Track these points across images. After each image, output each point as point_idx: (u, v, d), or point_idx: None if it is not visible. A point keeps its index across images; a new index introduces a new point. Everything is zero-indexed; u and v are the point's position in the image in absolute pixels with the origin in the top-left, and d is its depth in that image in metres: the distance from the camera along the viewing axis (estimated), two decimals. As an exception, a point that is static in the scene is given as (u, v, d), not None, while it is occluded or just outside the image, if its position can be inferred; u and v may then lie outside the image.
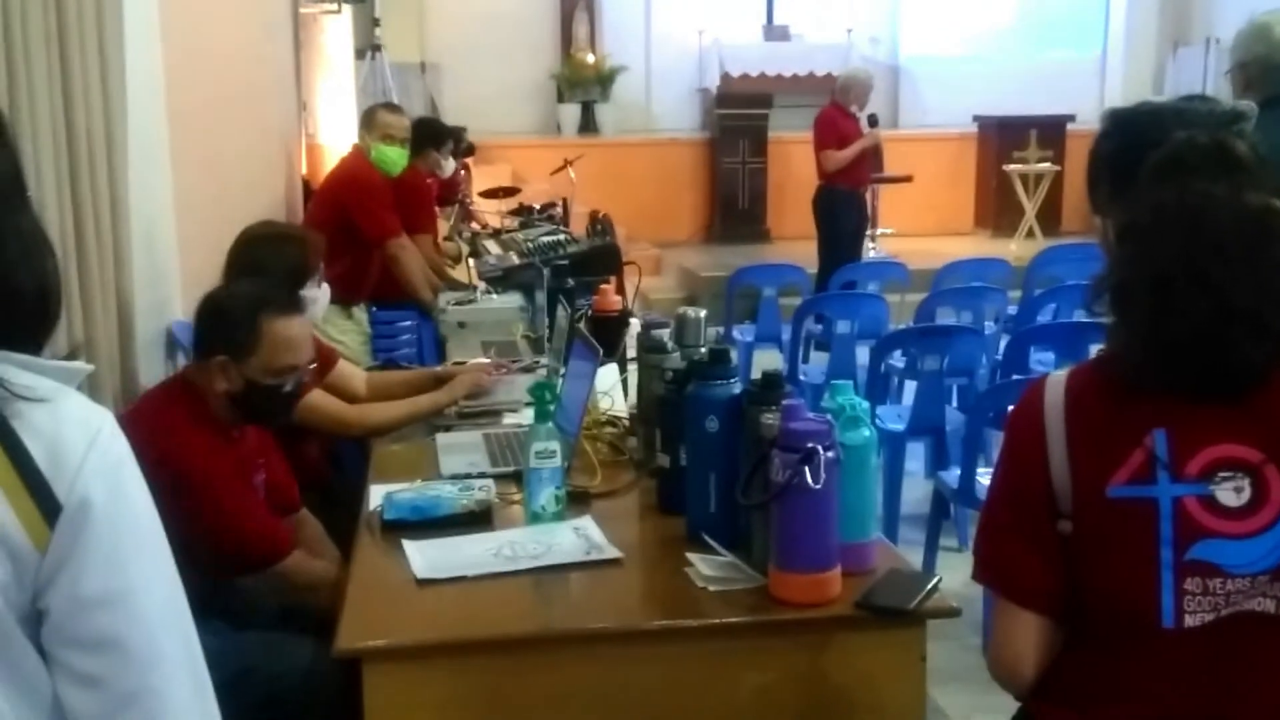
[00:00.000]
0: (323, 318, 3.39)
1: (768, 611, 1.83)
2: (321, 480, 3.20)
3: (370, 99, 8.77)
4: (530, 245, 4.57)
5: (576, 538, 2.11)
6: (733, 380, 2.06)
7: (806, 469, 1.77)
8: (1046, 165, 9.75)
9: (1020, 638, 1.41)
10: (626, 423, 2.74)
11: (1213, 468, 1.35)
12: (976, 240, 9.89)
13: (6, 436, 0.97)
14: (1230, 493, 1.35)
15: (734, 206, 10.15)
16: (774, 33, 11.23)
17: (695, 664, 1.83)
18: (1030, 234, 9.45)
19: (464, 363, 3.43)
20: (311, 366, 2.55)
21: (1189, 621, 1.33)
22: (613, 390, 2.87)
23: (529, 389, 2.45)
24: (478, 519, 2.19)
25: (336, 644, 1.75)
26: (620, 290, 3.74)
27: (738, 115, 10.11)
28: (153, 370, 3.05)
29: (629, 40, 11.11)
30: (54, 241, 1.09)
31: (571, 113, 10.97)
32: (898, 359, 4.94)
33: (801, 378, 5.18)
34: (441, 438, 2.71)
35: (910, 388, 4.88)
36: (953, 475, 3.93)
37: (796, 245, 8.58)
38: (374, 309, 5.02)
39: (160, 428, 2.29)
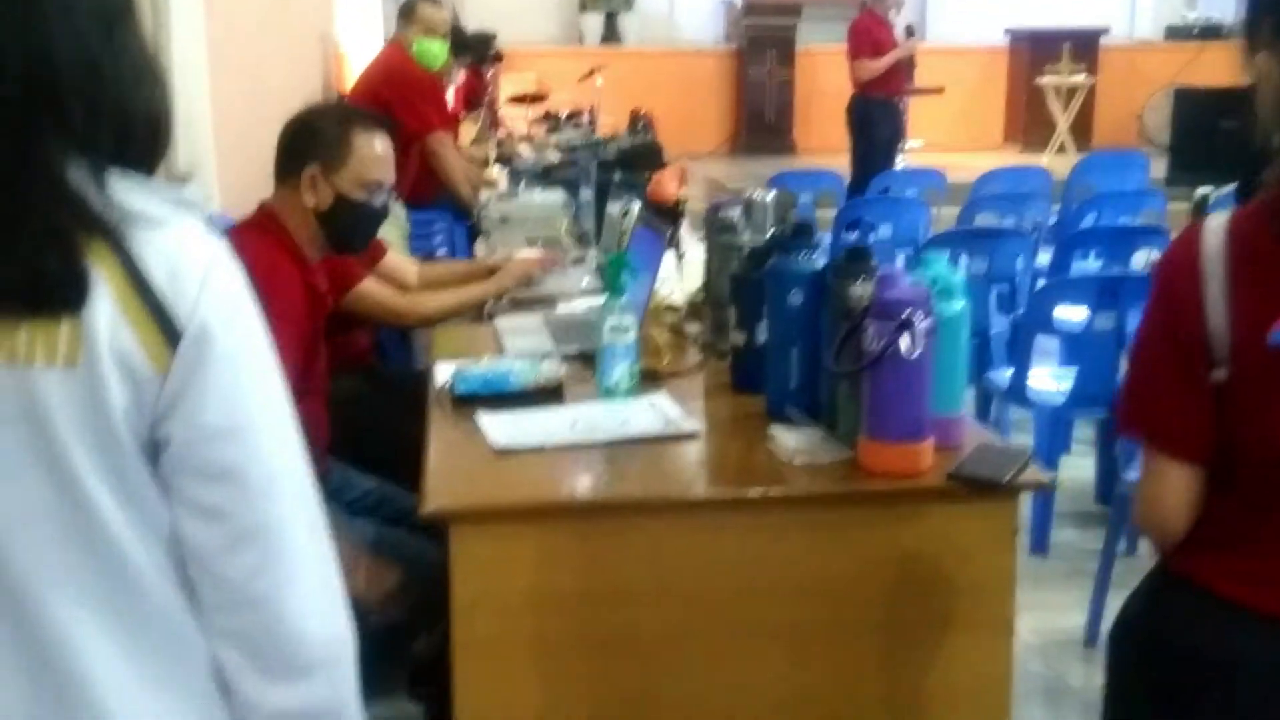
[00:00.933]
0: None
1: (857, 482, 1.80)
2: (369, 367, 3.20)
3: (393, 5, 8.63)
4: (574, 143, 4.49)
5: (653, 412, 2.07)
6: (815, 253, 2.01)
7: (902, 337, 1.72)
8: (1081, 78, 9.57)
9: (1172, 490, 1.36)
10: (684, 310, 2.70)
11: None
12: (1006, 155, 9.74)
13: (127, 258, 0.93)
14: None
15: (760, 119, 10.02)
16: (801, -57, 10.99)
17: (783, 535, 1.80)
18: (1062, 149, 9.31)
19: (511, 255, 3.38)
20: (391, 188, 2.54)
21: None
22: (669, 278, 2.82)
23: (603, 262, 2.40)
24: (549, 394, 2.16)
25: (423, 507, 1.72)
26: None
27: (765, 25, 9.93)
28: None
29: (654, -54, 10.89)
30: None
31: (595, 22, 10.78)
32: (941, 264, 4.86)
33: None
34: (501, 320, 2.67)
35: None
36: (1000, 376, 3.89)
37: (824, 159, 8.46)
38: (408, 209, 4.95)
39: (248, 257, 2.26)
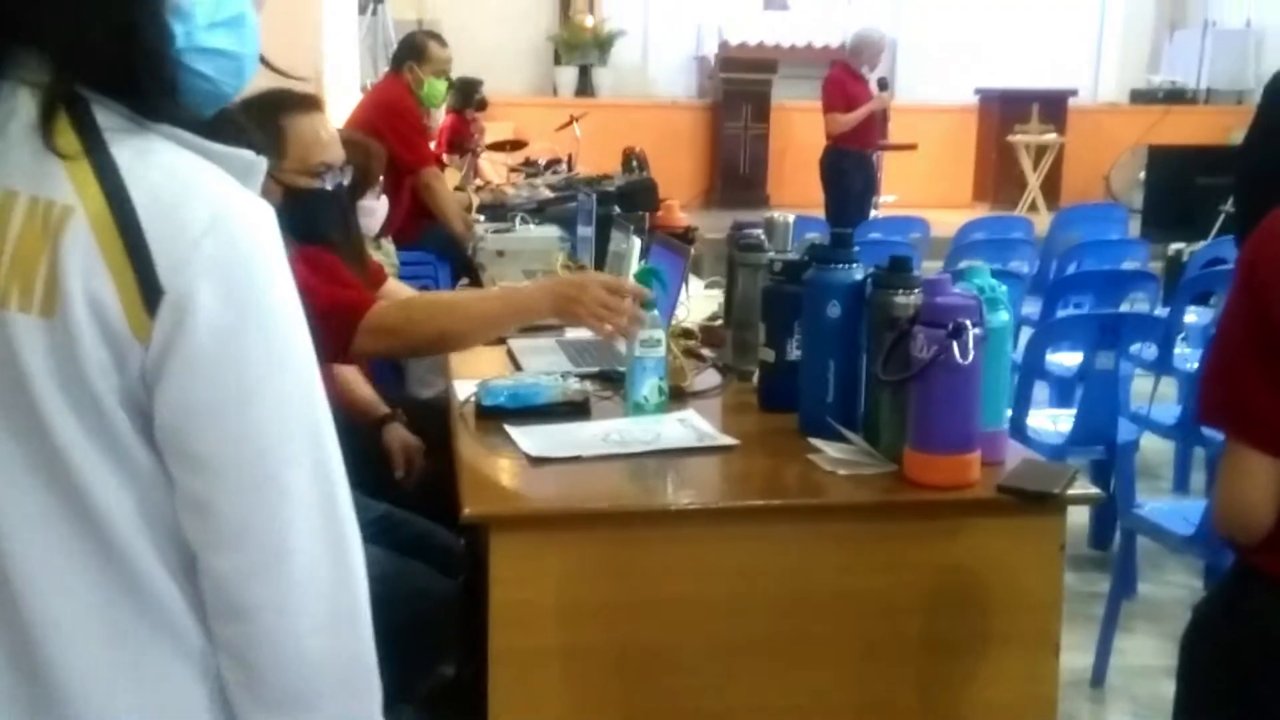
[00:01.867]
0: None
1: (903, 493, 1.76)
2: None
3: (371, 54, 8.63)
4: (573, 179, 4.47)
5: (684, 428, 2.03)
6: (854, 265, 1.98)
7: (954, 344, 1.69)
8: (1051, 136, 9.72)
9: (1255, 484, 1.33)
10: (700, 335, 2.68)
11: None
12: (977, 213, 9.82)
13: (113, 187, 0.85)
14: None
15: (735, 172, 10.08)
16: (773, 3, 11.15)
17: (825, 547, 1.76)
18: (1034, 206, 9.43)
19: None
20: (346, 168, 2.40)
21: None
22: (686, 303, 2.79)
23: (635, 274, 2.36)
24: (577, 409, 2.11)
25: (463, 512, 1.66)
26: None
27: (741, 80, 10.03)
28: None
29: (628, 5, 11.00)
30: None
31: (569, 75, 10.84)
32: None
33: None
34: (514, 342, 2.62)
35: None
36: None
37: (797, 212, 8.49)
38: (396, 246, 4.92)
39: None
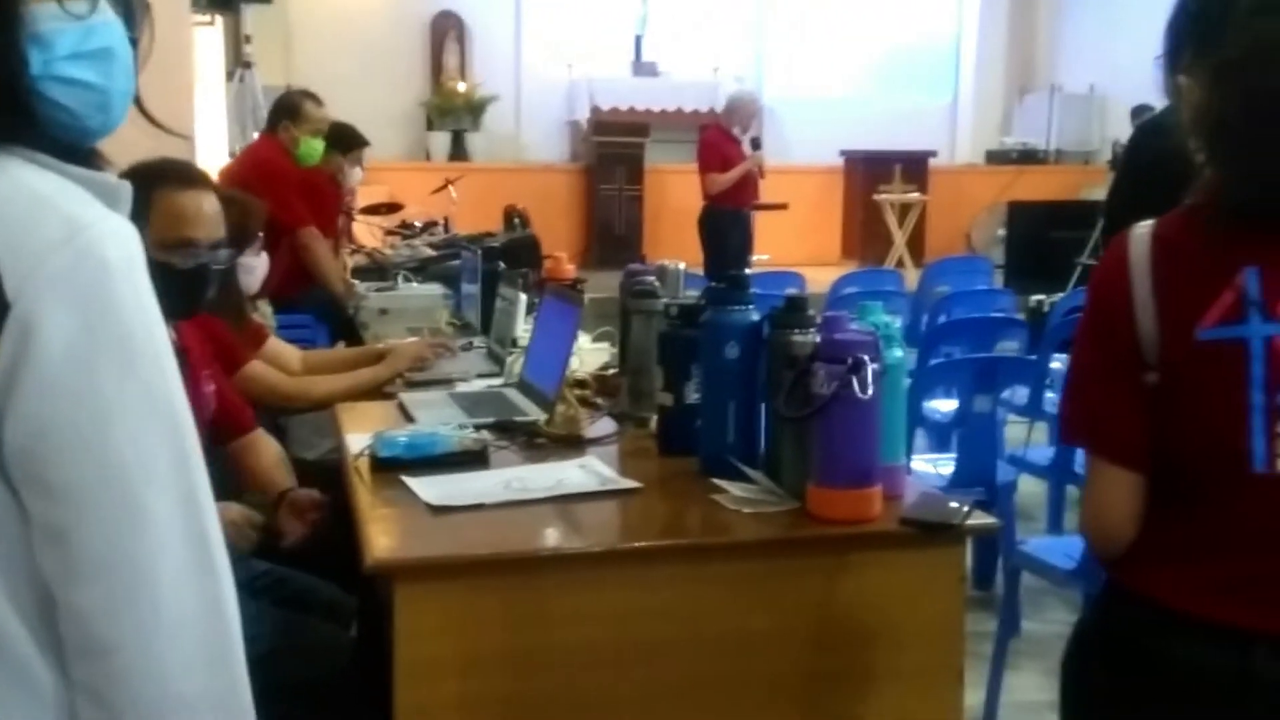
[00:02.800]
0: None
1: (807, 529, 1.78)
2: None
3: (238, 118, 8.49)
4: (453, 239, 4.45)
5: (584, 473, 2.02)
6: (750, 306, 2.01)
7: (854, 379, 1.72)
8: (915, 195, 10.05)
9: (1119, 497, 1.36)
10: (593, 384, 2.67)
11: None
12: (846, 269, 10.08)
13: None
14: None
15: (611, 232, 10.17)
16: (642, 69, 11.33)
17: (732, 584, 1.76)
18: (900, 263, 9.70)
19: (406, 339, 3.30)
20: (218, 249, 2.29)
21: None
22: (578, 354, 2.79)
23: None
24: (476, 458, 2.09)
25: (365, 563, 1.62)
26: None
27: (614, 143, 10.15)
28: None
29: (499, 71, 11.07)
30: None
31: (441, 140, 10.84)
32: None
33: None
34: (406, 396, 2.58)
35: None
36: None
37: (676, 270, 8.60)
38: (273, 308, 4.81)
39: None
